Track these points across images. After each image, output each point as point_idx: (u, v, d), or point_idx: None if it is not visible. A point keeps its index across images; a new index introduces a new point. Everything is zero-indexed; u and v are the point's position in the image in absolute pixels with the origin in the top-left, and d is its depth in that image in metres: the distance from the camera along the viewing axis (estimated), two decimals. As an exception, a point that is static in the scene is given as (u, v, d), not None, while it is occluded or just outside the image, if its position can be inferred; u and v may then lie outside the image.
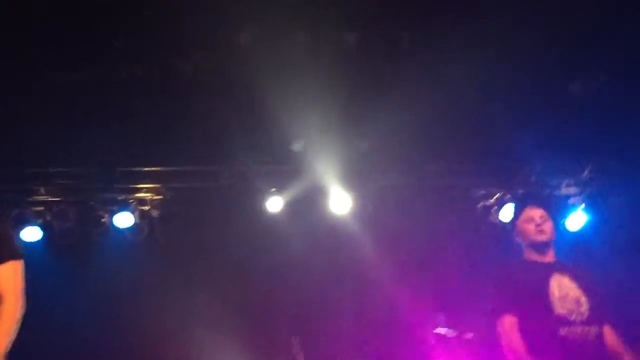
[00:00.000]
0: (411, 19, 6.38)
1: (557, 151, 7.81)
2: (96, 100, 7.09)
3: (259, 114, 7.01)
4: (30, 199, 8.00)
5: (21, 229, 7.78)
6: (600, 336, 4.19)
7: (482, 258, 8.34)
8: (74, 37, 6.15)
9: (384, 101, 6.82)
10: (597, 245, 8.18)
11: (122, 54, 6.52)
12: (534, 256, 4.43)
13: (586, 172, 8.15)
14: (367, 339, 8.21)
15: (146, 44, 6.41)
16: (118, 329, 7.91)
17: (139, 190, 8.18)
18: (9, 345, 3.46)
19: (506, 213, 8.11)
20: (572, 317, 4.13)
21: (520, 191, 8.08)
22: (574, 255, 8.19)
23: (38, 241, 7.88)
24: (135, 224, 8.04)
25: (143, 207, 8.17)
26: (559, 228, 8.09)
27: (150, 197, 8.22)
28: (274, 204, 8.07)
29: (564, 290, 4.22)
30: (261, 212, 8.11)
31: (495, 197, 8.24)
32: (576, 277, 4.32)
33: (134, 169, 8.08)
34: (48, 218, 7.97)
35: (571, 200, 8.23)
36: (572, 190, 8.25)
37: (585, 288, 4.27)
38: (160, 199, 8.23)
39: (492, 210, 8.28)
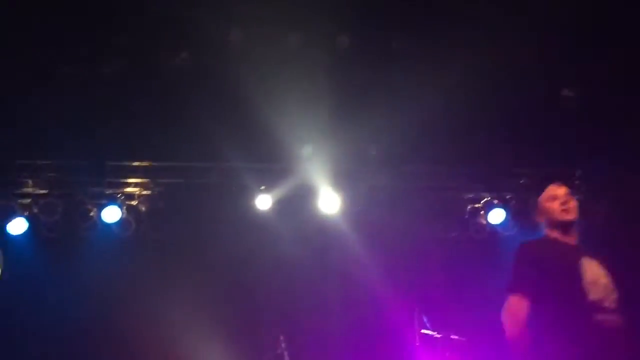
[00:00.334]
0: (403, 23, 6.40)
1: (547, 156, 7.84)
2: (87, 95, 7.07)
3: (250, 113, 7.01)
4: (18, 191, 7.96)
5: (7, 221, 7.73)
6: (627, 327, 3.92)
7: (469, 260, 8.40)
8: (67, 33, 6.13)
9: (375, 103, 6.85)
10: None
11: (114, 49, 6.50)
12: (558, 237, 4.09)
13: (575, 177, 8.19)
14: (353, 338, 8.23)
15: (138, 41, 6.39)
16: (103, 323, 7.88)
17: (128, 184, 8.16)
18: None
19: (495, 216, 8.15)
20: (606, 304, 3.85)
21: (508, 196, 8.12)
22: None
23: (24, 233, 7.82)
24: (122, 218, 8.00)
25: (131, 202, 8.14)
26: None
27: (138, 192, 8.19)
28: (263, 202, 8.07)
29: (595, 276, 3.92)
30: (250, 210, 8.11)
31: (483, 201, 8.27)
32: (604, 264, 4.03)
33: (123, 163, 8.06)
34: (35, 210, 7.92)
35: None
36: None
37: (612, 276, 4.00)
38: (149, 194, 8.21)
39: (480, 213, 8.31)
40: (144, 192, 8.21)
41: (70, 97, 6.98)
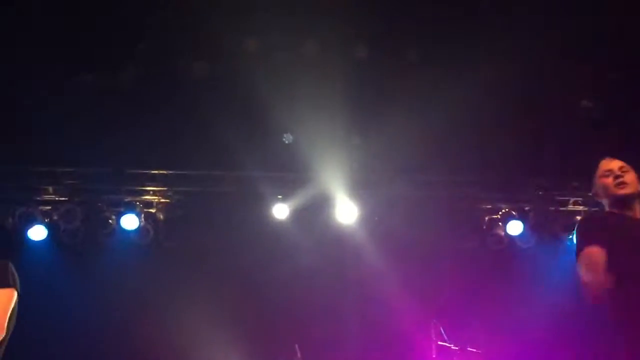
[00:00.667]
0: (420, 32, 6.39)
1: (565, 167, 7.76)
2: (107, 103, 7.16)
3: (267, 121, 7.03)
4: (38, 198, 8.04)
5: (28, 227, 7.82)
6: None
7: (487, 271, 8.33)
8: (88, 42, 6.21)
9: (392, 112, 6.83)
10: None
11: (132, 58, 6.56)
12: (618, 212, 3.76)
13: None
14: (369, 349, 8.19)
15: (156, 50, 6.45)
16: (120, 330, 7.92)
17: (146, 192, 8.21)
18: None
19: (513, 227, 8.08)
20: None
21: (527, 207, 8.04)
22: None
23: (43, 240, 7.90)
24: (140, 226, 8.05)
25: (149, 210, 8.20)
26: (566, 243, 8.21)
27: (156, 200, 8.25)
28: (280, 211, 8.07)
29: None
30: (267, 219, 8.12)
31: (501, 212, 8.20)
32: None
33: (141, 171, 8.12)
34: (55, 217, 8.00)
35: (578, 218, 8.18)
36: (580, 207, 8.20)
37: None
38: (167, 202, 8.25)
39: (498, 224, 8.25)
40: (162, 200, 8.26)
41: (89, 106, 7.07)
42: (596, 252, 3.49)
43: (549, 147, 7.41)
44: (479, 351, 6.78)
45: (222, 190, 8.19)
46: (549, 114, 7.24)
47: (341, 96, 6.68)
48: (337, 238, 8.28)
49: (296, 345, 7.02)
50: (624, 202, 3.76)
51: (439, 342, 6.84)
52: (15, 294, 3.64)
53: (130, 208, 8.03)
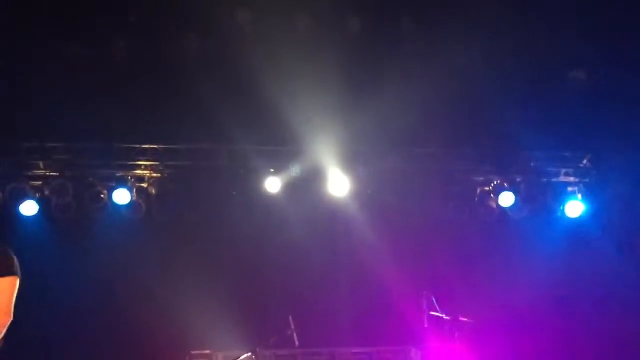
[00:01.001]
0: (412, 4, 6.35)
1: (556, 139, 7.80)
2: (97, 77, 7.07)
3: (259, 95, 7.00)
4: (29, 173, 7.99)
5: (19, 202, 7.78)
6: None
7: (479, 242, 8.40)
8: (76, 15, 6.12)
9: (384, 85, 6.82)
10: (595, 233, 8.22)
11: (123, 32, 6.48)
12: None
13: (584, 161, 8.16)
14: (361, 320, 8.27)
15: (147, 24, 6.37)
16: (113, 304, 7.95)
17: (137, 167, 8.18)
18: None
19: (505, 199, 8.14)
20: None
21: (518, 179, 8.09)
22: (572, 242, 8.28)
23: (35, 215, 7.88)
24: (132, 200, 8.04)
25: (141, 184, 8.17)
26: (557, 215, 8.28)
27: (148, 174, 8.21)
28: (272, 184, 8.08)
29: None
30: (259, 192, 8.12)
31: (493, 184, 8.25)
32: None
33: (132, 145, 8.07)
34: (46, 192, 7.96)
35: (569, 189, 8.25)
36: (571, 178, 8.27)
37: None
38: (158, 176, 8.23)
39: (490, 196, 8.30)
40: (154, 175, 8.23)
41: (79, 80, 6.99)
42: None
43: (541, 119, 7.42)
44: (471, 320, 6.85)
45: (214, 164, 8.18)
46: (540, 86, 7.24)
47: (333, 69, 6.65)
48: (329, 211, 8.31)
49: (289, 317, 7.07)
50: None
51: (431, 312, 6.91)
52: (18, 281, 3.74)
53: (121, 182, 8.00)
